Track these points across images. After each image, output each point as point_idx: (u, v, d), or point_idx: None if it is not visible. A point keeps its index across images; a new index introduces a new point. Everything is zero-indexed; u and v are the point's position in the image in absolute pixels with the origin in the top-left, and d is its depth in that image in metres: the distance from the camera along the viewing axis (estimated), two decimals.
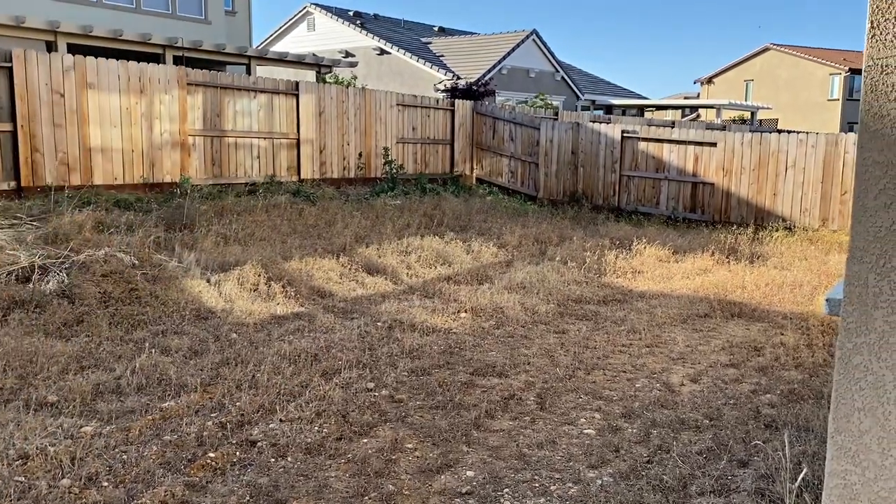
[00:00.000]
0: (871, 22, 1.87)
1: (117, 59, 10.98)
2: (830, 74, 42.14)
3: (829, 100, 42.09)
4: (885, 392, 1.93)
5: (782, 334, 6.70)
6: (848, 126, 38.88)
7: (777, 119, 36.55)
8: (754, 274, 9.06)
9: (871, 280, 1.96)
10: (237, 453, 4.10)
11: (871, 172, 1.91)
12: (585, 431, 4.54)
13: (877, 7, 1.86)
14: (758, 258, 10.21)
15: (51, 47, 13.38)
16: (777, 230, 12.11)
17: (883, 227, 1.92)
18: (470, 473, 3.96)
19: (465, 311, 7.18)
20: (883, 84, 1.87)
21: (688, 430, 4.56)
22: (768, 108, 33.93)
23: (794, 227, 12.28)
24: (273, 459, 4.05)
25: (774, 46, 44.95)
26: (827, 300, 2.59)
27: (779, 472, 3.90)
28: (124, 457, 3.98)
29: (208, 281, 7.47)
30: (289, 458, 4.06)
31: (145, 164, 11.26)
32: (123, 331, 6.08)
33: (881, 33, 1.86)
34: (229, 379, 5.10)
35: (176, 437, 4.25)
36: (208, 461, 3.98)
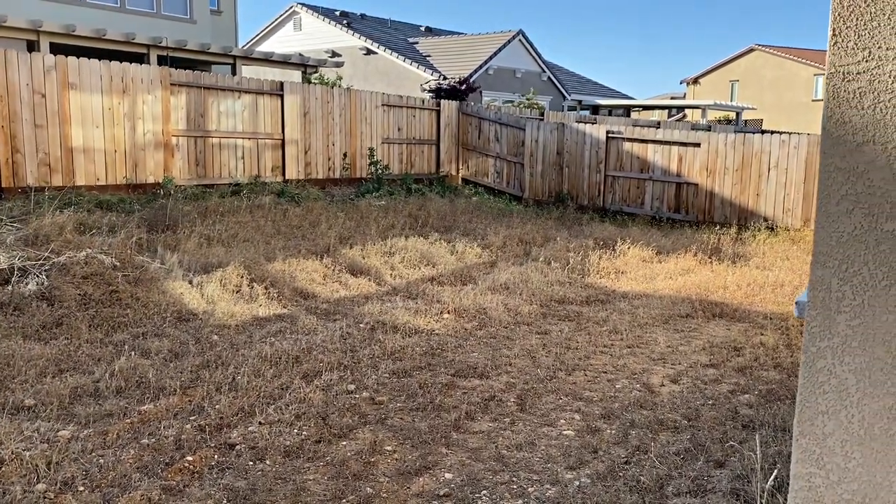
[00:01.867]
0: (833, 29, 1.89)
1: (100, 59, 10.92)
2: (815, 75, 42.42)
3: (813, 100, 42.35)
4: (848, 395, 1.95)
5: (762, 334, 6.74)
6: None
7: (762, 119, 36.71)
8: (736, 274, 9.12)
9: (834, 285, 1.98)
10: (215, 456, 4.08)
11: (833, 178, 1.94)
12: (564, 432, 4.56)
13: (838, 15, 1.87)
14: (740, 258, 10.27)
15: (33, 47, 13.28)
16: (760, 230, 12.19)
17: (845, 233, 1.95)
18: (448, 475, 3.96)
19: (448, 313, 7.19)
20: (844, 91, 1.89)
21: (666, 431, 4.59)
22: (753, 109, 34.12)
23: (777, 227, 12.37)
24: (251, 462, 4.04)
25: (759, 47, 45.19)
26: (796, 303, 2.62)
27: (754, 473, 3.93)
28: (101, 461, 3.96)
29: (190, 282, 7.44)
30: (267, 461, 4.05)
31: (128, 164, 11.20)
32: (103, 333, 6.05)
33: (842, 41, 1.88)
34: (209, 381, 5.09)
35: (154, 440, 4.23)
36: (186, 465, 3.97)
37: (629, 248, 10.36)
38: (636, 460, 4.17)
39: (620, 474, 4.00)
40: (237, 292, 7.39)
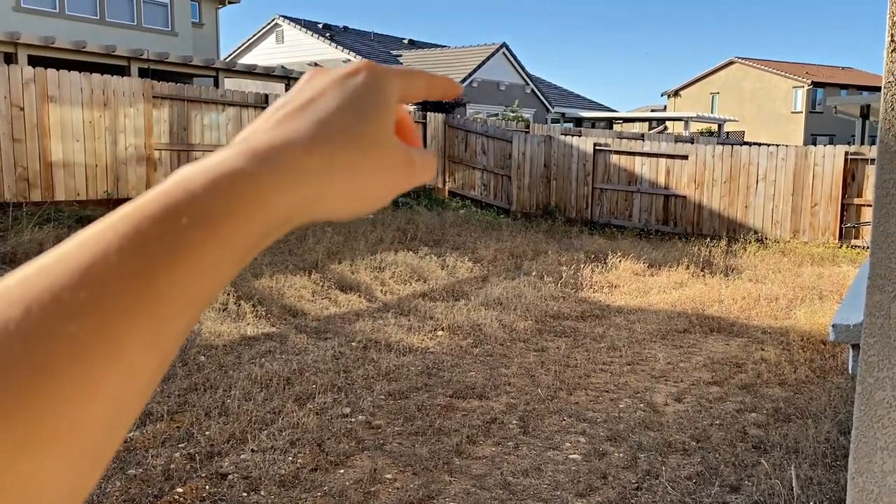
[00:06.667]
0: (892, 35, 1.75)
1: (80, 72, 10.67)
2: (794, 87, 42.88)
3: (792, 112, 42.79)
4: None
5: (762, 350, 6.63)
6: (812, 138, 39.47)
7: (743, 131, 37.01)
8: (730, 287, 9.02)
9: (893, 310, 1.83)
10: (207, 487, 3.87)
11: (892, 195, 1.79)
12: (571, 457, 4.39)
13: None
14: (732, 271, 10.19)
15: (10, 59, 12.99)
16: (749, 242, 12.14)
17: None
18: None
19: (442, 329, 7.01)
20: None
21: (675, 454, 4.43)
22: (735, 121, 34.36)
23: (766, 239, 12.33)
24: (245, 493, 3.83)
25: (739, 60, 45.65)
26: (833, 326, 2.47)
27: (772, 498, 3.79)
28: None
29: None
30: (262, 492, 3.84)
31: (109, 179, 10.93)
32: None
33: None
34: (198, 406, 4.87)
35: (141, 470, 4.01)
36: (176, 497, 3.75)
37: (620, 261, 10.25)
38: (647, 486, 4.01)
39: (633, 501, 3.83)
40: (223, 310, 7.16)
